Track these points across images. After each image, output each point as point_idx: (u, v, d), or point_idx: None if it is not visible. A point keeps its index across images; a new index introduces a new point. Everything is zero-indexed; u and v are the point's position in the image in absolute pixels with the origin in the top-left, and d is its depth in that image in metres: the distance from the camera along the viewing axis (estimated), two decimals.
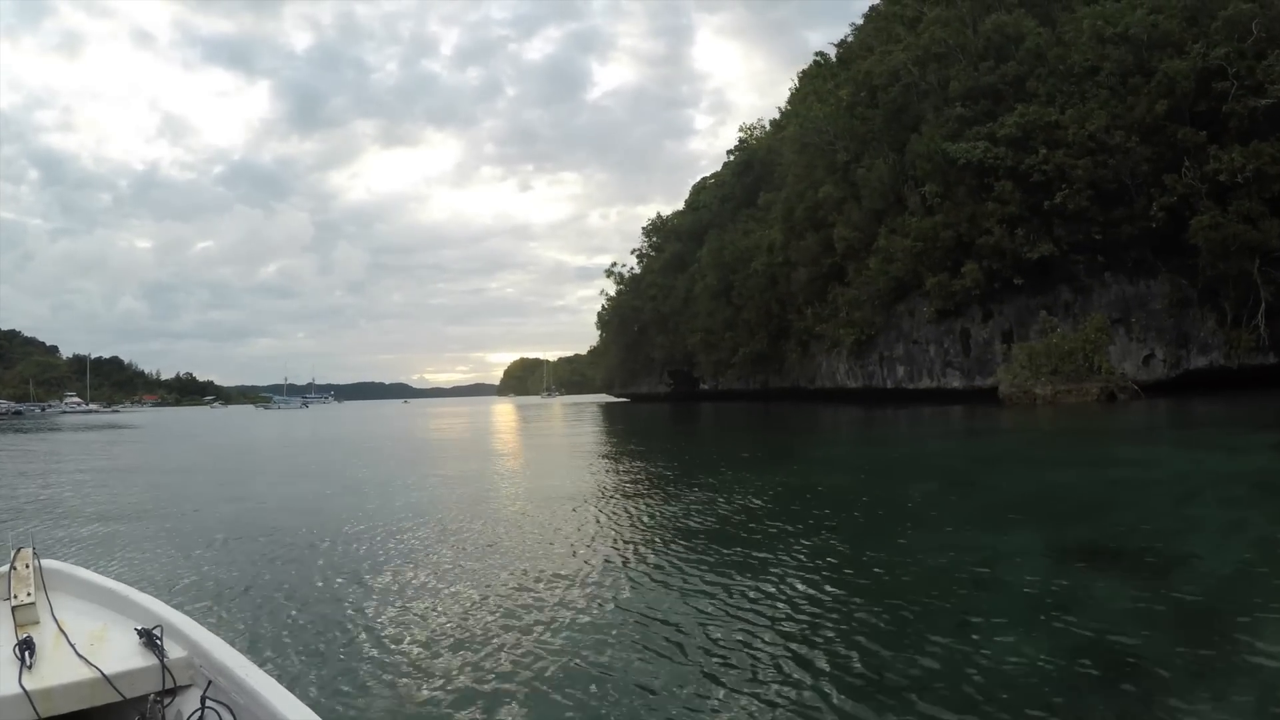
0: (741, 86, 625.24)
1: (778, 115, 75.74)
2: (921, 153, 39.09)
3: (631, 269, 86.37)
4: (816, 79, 55.25)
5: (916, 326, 40.42)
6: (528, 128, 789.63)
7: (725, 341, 61.04)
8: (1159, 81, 33.81)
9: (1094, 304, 36.05)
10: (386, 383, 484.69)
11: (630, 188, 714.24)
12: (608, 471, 14.52)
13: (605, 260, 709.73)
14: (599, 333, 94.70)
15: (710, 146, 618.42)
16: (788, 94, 77.11)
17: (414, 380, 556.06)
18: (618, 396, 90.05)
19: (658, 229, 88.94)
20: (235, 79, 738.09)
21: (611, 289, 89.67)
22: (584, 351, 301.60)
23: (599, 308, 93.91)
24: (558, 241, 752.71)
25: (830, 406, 42.27)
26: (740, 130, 78.67)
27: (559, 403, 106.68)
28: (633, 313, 78.01)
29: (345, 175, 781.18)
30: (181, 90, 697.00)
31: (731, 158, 76.51)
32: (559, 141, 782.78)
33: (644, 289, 78.32)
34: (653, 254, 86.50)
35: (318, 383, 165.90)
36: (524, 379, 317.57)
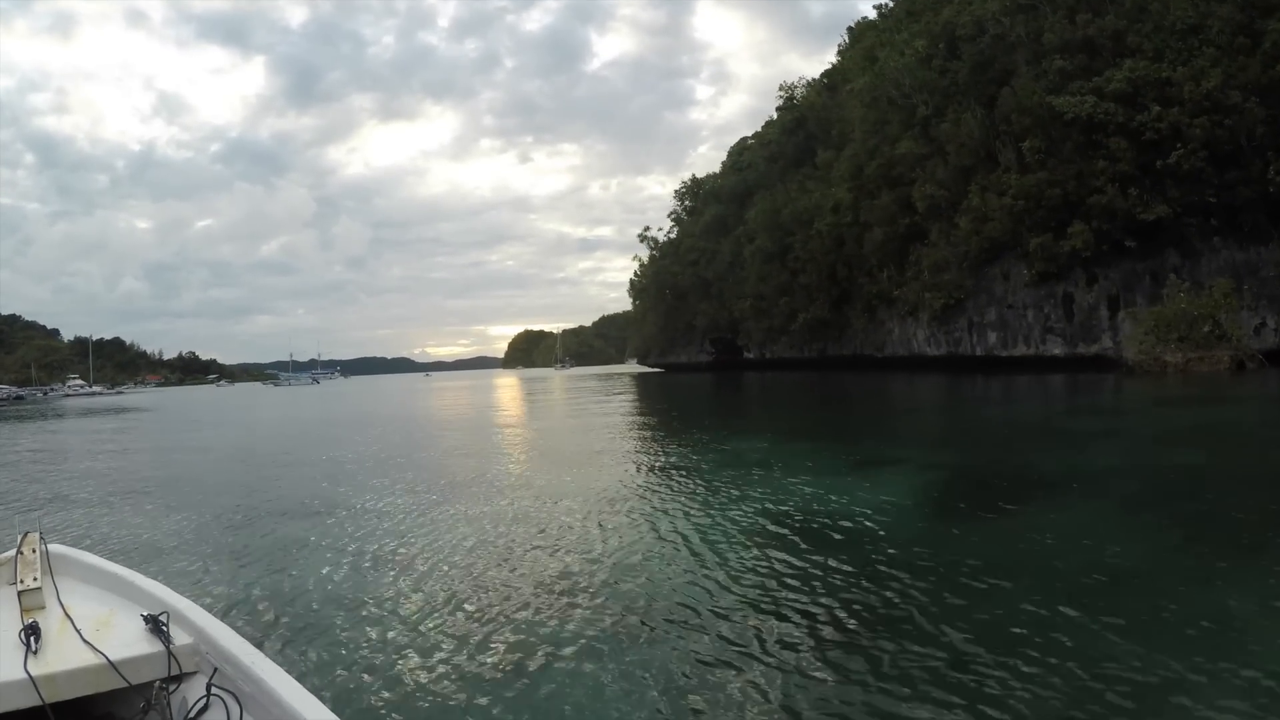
0: (743, 56, 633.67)
1: (819, 71, 74.74)
2: (1023, 106, 38.37)
3: (668, 233, 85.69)
4: (883, 32, 54.02)
5: (1012, 290, 40.08)
6: (526, 99, 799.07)
7: (779, 307, 60.59)
8: (1275, 42, 33.19)
9: (1203, 269, 35.68)
10: (388, 357, 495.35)
11: (630, 158, 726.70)
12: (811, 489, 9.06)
13: (606, 232, 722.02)
14: (632, 300, 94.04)
15: (711, 117, 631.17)
16: (835, 49, 76.42)
17: (415, 354, 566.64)
18: (652, 366, 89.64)
19: (693, 191, 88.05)
20: (230, 56, 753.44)
21: (645, 254, 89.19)
22: (588, 323, 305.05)
23: (631, 275, 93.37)
24: (558, 213, 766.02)
25: (910, 375, 41.98)
26: (780, 90, 77.39)
27: (582, 374, 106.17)
28: (671, 279, 77.37)
29: (343, 150, 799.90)
30: (176, 69, 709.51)
31: (776, 115, 75.46)
32: (558, 113, 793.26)
33: (683, 254, 77.65)
34: (687, 218, 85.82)
35: (321, 359, 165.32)
36: (529, 351, 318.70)
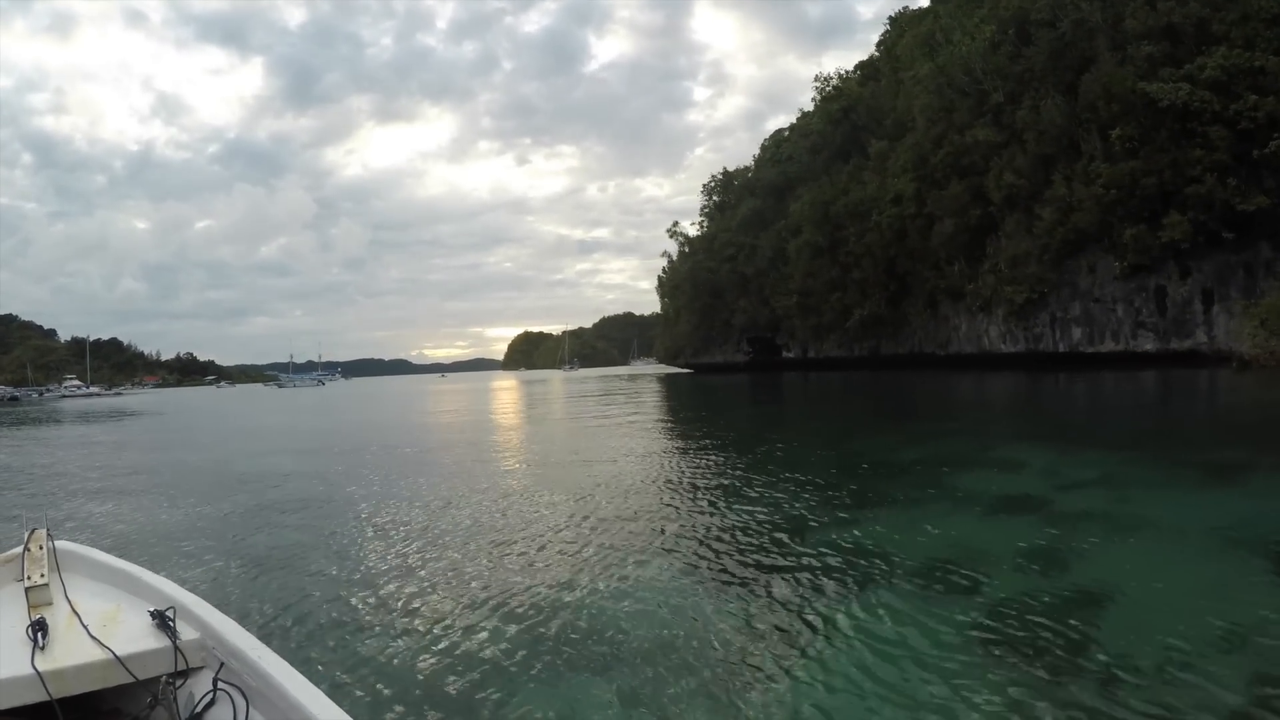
0: (740, 58, 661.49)
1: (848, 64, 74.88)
2: (1111, 93, 38.38)
3: (702, 226, 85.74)
4: (942, 18, 53.95)
5: (1099, 284, 40.02)
6: (524, 101, 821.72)
7: (829, 304, 60.46)
8: None
9: None
10: (386, 359, 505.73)
11: (628, 160, 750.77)
12: None
13: (603, 234, 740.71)
14: (661, 299, 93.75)
15: (708, 119, 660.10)
16: (877, 37, 76.66)
17: (413, 356, 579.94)
18: (682, 367, 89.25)
19: (723, 185, 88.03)
20: (229, 56, 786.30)
21: (674, 250, 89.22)
22: (588, 325, 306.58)
23: (659, 271, 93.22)
24: (555, 215, 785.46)
25: (981, 374, 41.85)
26: (816, 81, 77.54)
27: (596, 376, 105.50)
28: (708, 275, 77.13)
29: (341, 152, 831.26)
30: (175, 69, 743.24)
31: (813, 106, 75.46)
32: (556, 115, 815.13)
33: (718, 249, 77.44)
34: (717, 213, 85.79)
35: (322, 360, 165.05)
36: (529, 353, 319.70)
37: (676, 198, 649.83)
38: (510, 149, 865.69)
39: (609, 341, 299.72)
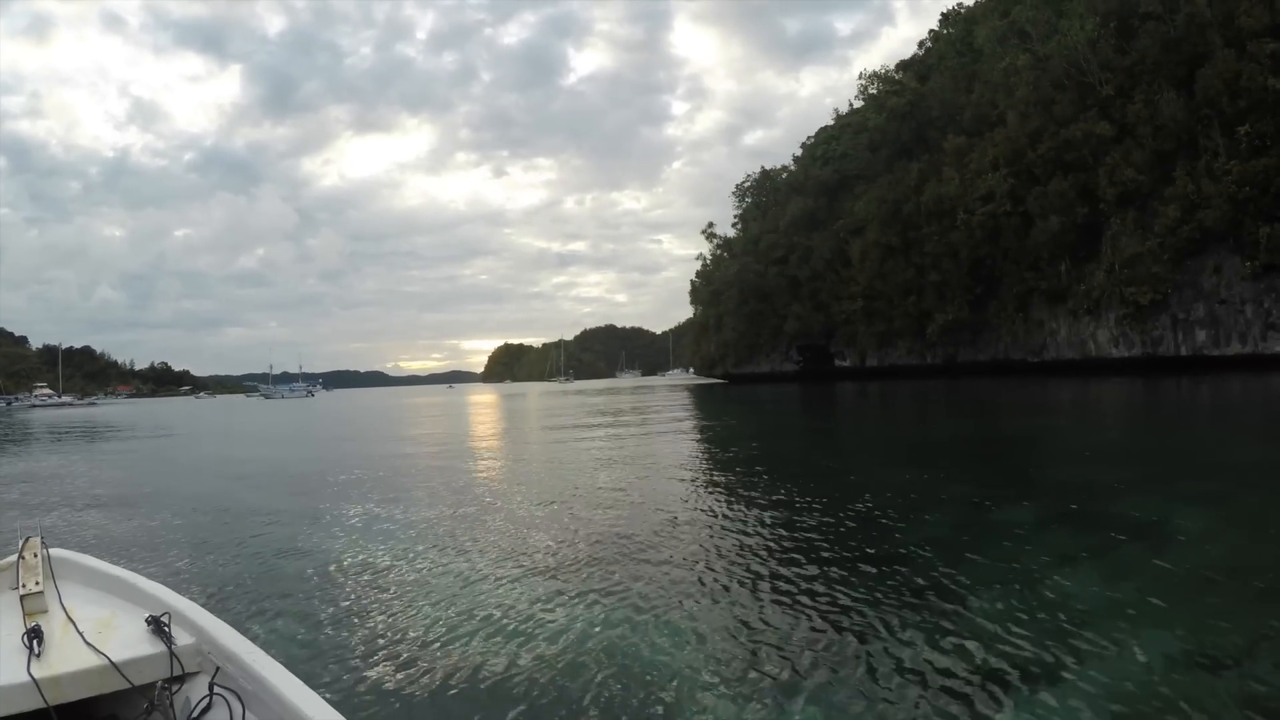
0: (719, 73, 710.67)
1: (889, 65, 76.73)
2: (1241, 89, 39.85)
3: (737, 228, 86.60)
4: (1032, 8, 55.40)
5: (1225, 284, 41.27)
6: (503, 113, 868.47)
7: (902, 308, 61.21)
8: None
9: None
10: (361, 371, 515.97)
11: (605, 174, 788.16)
12: None
13: (580, 247, 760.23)
14: (695, 306, 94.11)
15: (686, 133, 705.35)
16: (929, 31, 78.61)
17: (389, 368, 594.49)
18: (719, 378, 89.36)
19: (758, 185, 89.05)
20: (207, 63, 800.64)
21: (708, 253, 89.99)
22: (568, 338, 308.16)
23: (691, 276, 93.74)
24: (532, 228, 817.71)
25: (1085, 380, 42.41)
26: (861, 78, 79.28)
27: (605, 389, 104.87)
28: (755, 279, 77.66)
29: (318, 161, 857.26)
30: (152, 75, 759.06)
31: (861, 103, 76.79)
32: (534, 127, 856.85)
33: (764, 251, 78.09)
34: (758, 214, 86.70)
35: (295, 371, 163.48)
36: (510, 365, 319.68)
37: (654, 211, 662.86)
38: (488, 161, 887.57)
39: (593, 354, 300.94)
